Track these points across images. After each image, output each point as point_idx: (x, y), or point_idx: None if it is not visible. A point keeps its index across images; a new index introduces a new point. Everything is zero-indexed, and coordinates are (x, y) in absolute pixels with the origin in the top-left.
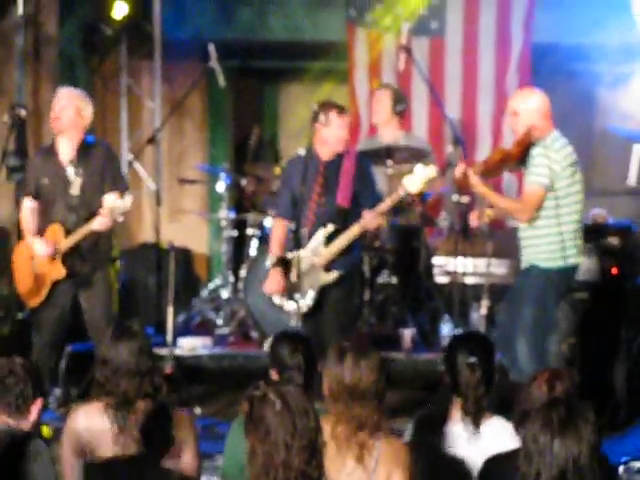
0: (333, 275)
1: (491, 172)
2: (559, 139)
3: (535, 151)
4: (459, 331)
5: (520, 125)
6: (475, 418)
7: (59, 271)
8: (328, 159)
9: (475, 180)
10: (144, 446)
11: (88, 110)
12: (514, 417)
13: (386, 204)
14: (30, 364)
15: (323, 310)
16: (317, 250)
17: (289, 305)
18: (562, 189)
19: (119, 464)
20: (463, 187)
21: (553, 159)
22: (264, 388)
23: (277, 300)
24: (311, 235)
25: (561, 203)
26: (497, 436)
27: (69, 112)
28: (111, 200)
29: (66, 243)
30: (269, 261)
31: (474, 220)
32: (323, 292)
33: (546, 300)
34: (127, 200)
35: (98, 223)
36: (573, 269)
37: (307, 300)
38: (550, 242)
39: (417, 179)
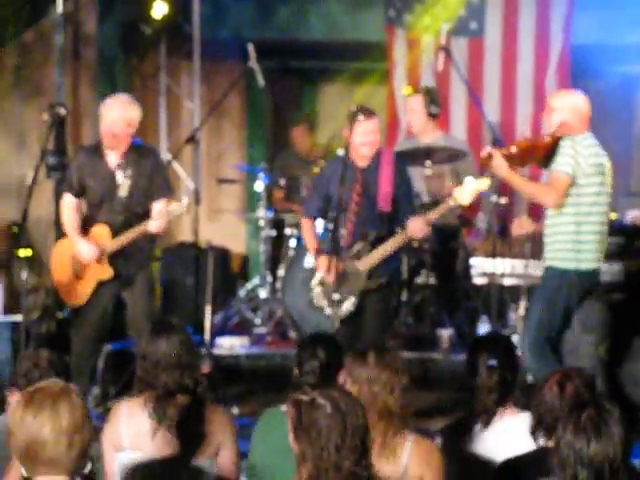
0: (376, 282)
1: (515, 160)
2: (589, 139)
3: (563, 143)
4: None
5: (553, 120)
6: (486, 416)
7: (106, 272)
8: (364, 165)
9: (500, 162)
10: (179, 440)
11: (137, 117)
12: (532, 417)
13: (434, 214)
14: (58, 358)
15: (362, 314)
16: (360, 255)
17: (329, 309)
18: (583, 187)
19: (156, 463)
20: (485, 167)
21: (580, 153)
22: (311, 393)
23: (320, 302)
24: (353, 240)
25: (581, 201)
26: (511, 434)
27: (120, 126)
28: (160, 207)
29: (114, 244)
30: (308, 260)
31: (516, 229)
32: (363, 296)
33: (557, 301)
34: (184, 203)
35: (154, 225)
36: (590, 272)
37: (348, 305)
38: (565, 242)
39: (468, 191)
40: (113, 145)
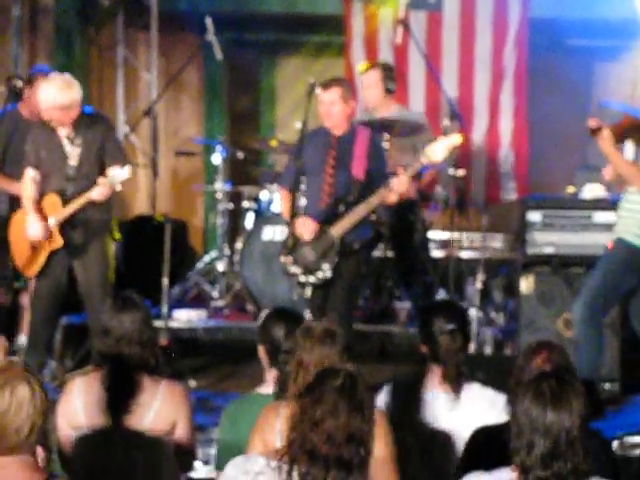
0: (349, 248)
1: (614, 137)
2: None
3: None
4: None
5: None
6: (456, 384)
7: (56, 241)
8: (339, 133)
9: (607, 134)
10: (133, 414)
11: (75, 98)
12: (509, 388)
13: (410, 171)
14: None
15: (333, 282)
16: (333, 221)
17: (303, 276)
18: None
19: (108, 435)
20: (594, 135)
21: None
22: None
23: (293, 269)
24: (328, 204)
25: None
26: (476, 403)
27: (57, 113)
28: (107, 174)
29: (63, 212)
30: (267, 233)
31: (609, 174)
32: (338, 265)
33: (618, 273)
34: (126, 170)
35: (97, 192)
36: None
37: (325, 271)
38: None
39: (441, 147)
40: (56, 124)
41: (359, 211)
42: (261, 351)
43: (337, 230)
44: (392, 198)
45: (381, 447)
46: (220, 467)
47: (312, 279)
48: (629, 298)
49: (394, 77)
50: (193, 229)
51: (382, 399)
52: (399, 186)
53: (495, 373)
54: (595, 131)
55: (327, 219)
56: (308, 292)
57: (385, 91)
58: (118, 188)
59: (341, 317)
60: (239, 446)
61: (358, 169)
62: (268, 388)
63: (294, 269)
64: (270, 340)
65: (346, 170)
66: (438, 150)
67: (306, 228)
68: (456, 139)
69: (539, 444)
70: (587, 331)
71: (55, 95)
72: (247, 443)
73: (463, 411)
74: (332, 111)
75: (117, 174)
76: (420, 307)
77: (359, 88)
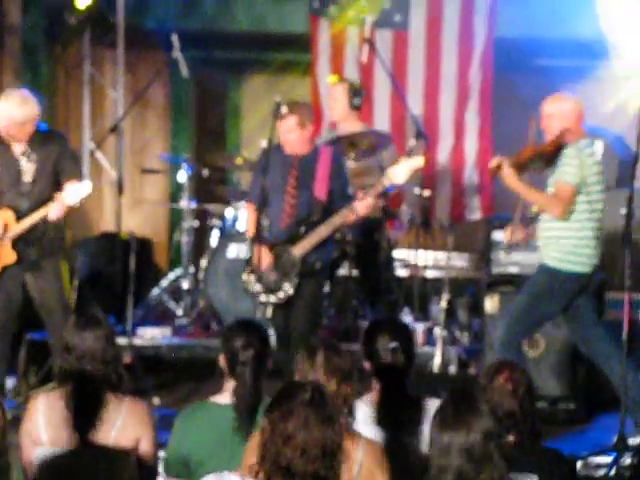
0: (310, 267)
1: (518, 168)
2: (590, 146)
3: (567, 151)
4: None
5: (554, 127)
6: (394, 402)
7: (9, 256)
8: (301, 154)
9: (509, 172)
10: (97, 432)
11: (32, 114)
12: None
13: (373, 192)
14: None
15: (295, 302)
16: (295, 240)
17: (264, 295)
18: (586, 195)
19: (72, 455)
20: (494, 177)
21: (585, 164)
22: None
23: (254, 288)
24: (289, 225)
25: (582, 208)
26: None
27: (13, 128)
28: (66, 190)
29: (17, 228)
30: (231, 250)
31: (507, 236)
32: (300, 284)
33: (543, 298)
34: (85, 185)
35: (53, 209)
36: (582, 275)
37: (286, 290)
38: (565, 245)
39: (403, 169)
40: (11, 140)
41: (321, 231)
42: (221, 360)
43: (298, 250)
44: (352, 218)
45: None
46: (168, 472)
47: (273, 299)
48: (570, 324)
49: (361, 94)
50: (158, 246)
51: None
52: (362, 209)
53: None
54: (496, 170)
55: (289, 239)
56: (269, 312)
57: (350, 106)
58: (76, 204)
59: (304, 337)
60: (188, 452)
61: (320, 190)
62: (225, 397)
63: (256, 288)
64: (229, 350)
65: (308, 190)
66: (400, 172)
67: (262, 259)
68: (418, 161)
69: (448, 464)
70: (506, 354)
71: (11, 111)
72: (196, 449)
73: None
74: (289, 139)
75: (76, 190)
76: (366, 326)
77: (325, 105)
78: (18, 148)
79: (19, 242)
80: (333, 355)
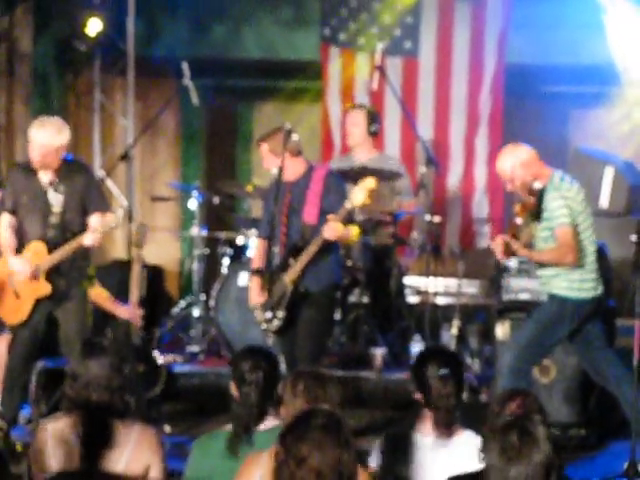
0: (302, 292)
1: (518, 233)
2: (564, 177)
3: (550, 196)
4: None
5: (520, 185)
6: (446, 430)
7: (44, 288)
8: (293, 180)
9: (517, 245)
10: (106, 461)
11: (66, 141)
12: (482, 437)
13: (337, 216)
14: None
15: (296, 329)
16: (287, 267)
17: (265, 324)
18: (581, 224)
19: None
20: (508, 254)
21: (570, 198)
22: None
23: (259, 316)
24: (285, 254)
25: (581, 238)
26: (467, 450)
27: (50, 153)
28: (97, 220)
29: (50, 260)
30: (242, 278)
31: (499, 253)
32: (297, 311)
33: (553, 327)
34: (118, 214)
35: (89, 239)
36: (592, 300)
37: (279, 319)
38: (568, 274)
39: (359, 191)
40: (43, 168)
41: (302, 259)
42: (232, 387)
43: (288, 277)
44: (324, 242)
45: None
46: None
47: (270, 327)
48: (580, 349)
49: (378, 122)
50: (169, 274)
51: (377, 452)
52: (329, 232)
53: (471, 419)
54: (507, 252)
55: (281, 267)
56: (269, 341)
57: (367, 132)
58: (103, 235)
59: (308, 363)
60: (204, 478)
61: (309, 213)
62: None
63: (258, 317)
64: (238, 373)
65: (299, 216)
66: (357, 195)
67: (252, 293)
68: (369, 183)
69: None
70: (515, 381)
71: (50, 138)
72: (211, 476)
73: (454, 458)
74: (267, 167)
75: (110, 220)
76: (416, 356)
77: (335, 132)
78: (45, 178)
79: (51, 274)
80: (314, 385)
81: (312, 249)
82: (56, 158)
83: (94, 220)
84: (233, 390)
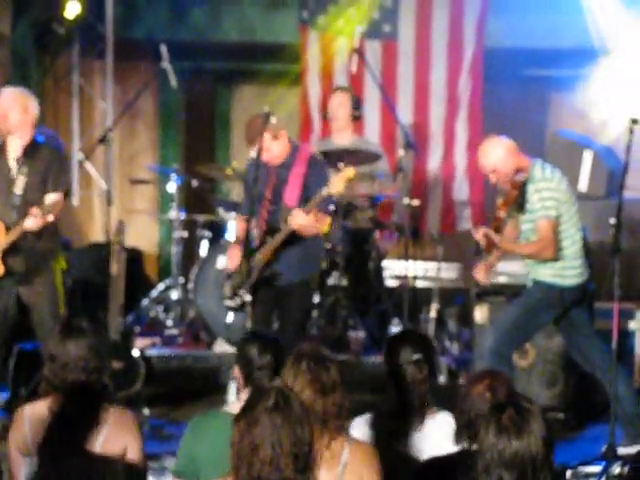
0: (270, 274)
1: (501, 226)
2: (544, 167)
3: (532, 188)
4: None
5: (503, 177)
6: (420, 413)
7: None
8: (277, 163)
9: (498, 238)
10: (83, 442)
11: (33, 106)
12: (457, 421)
13: (311, 204)
14: None
15: (281, 317)
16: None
17: (229, 301)
18: (565, 213)
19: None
20: (489, 248)
21: (553, 189)
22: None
23: (226, 293)
24: (263, 235)
25: (564, 227)
26: (442, 431)
27: (15, 111)
28: (48, 200)
29: (4, 241)
30: (220, 261)
31: (480, 274)
32: (279, 299)
33: (538, 313)
34: (51, 197)
35: (29, 222)
36: (578, 287)
37: (243, 297)
38: (556, 263)
39: (338, 180)
40: (9, 128)
41: (272, 242)
42: (236, 371)
43: (257, 259)
44: (297, 223)
45: None
46: (177, 473)
47: (231, 303)
48: (566, 334)
49: (360, 106)
50: (148, 257)
51: (361, 429)
52: (293, 219)
53: (449, 403)
54: (490, 245)
55: (257, 248)
56: (230, 317)
57: (351, 116)
58: (49, 218)
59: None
60: (198, 458)
61: (291, 196)
62: (237, 408)
63: (225, 292)
64: (245, 358)
65: (281, 199)
66: (336, 183)
67: (231, 259)
68: (349, 172)
69: (507, 477)
70: (496, 364)
71: (16, 92)
72: (204, 456)
73: (426, 440)
74: (269, 157)
75: (45, 202)
76: (387, 338)
77: (314, 115)
78: (13, 156)
79: (8, 254)
80: (316, 365)
81: (281, 236)
82: (22, 118)
83: (46, 199)
84: (236, 374)
